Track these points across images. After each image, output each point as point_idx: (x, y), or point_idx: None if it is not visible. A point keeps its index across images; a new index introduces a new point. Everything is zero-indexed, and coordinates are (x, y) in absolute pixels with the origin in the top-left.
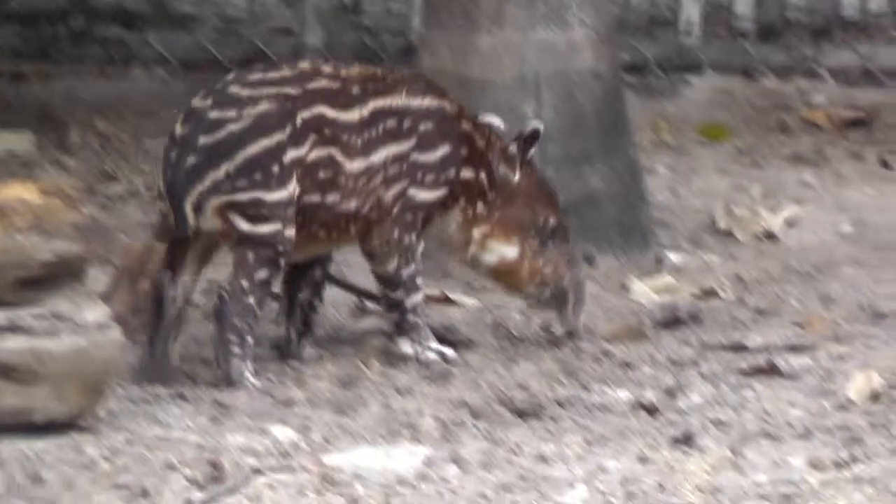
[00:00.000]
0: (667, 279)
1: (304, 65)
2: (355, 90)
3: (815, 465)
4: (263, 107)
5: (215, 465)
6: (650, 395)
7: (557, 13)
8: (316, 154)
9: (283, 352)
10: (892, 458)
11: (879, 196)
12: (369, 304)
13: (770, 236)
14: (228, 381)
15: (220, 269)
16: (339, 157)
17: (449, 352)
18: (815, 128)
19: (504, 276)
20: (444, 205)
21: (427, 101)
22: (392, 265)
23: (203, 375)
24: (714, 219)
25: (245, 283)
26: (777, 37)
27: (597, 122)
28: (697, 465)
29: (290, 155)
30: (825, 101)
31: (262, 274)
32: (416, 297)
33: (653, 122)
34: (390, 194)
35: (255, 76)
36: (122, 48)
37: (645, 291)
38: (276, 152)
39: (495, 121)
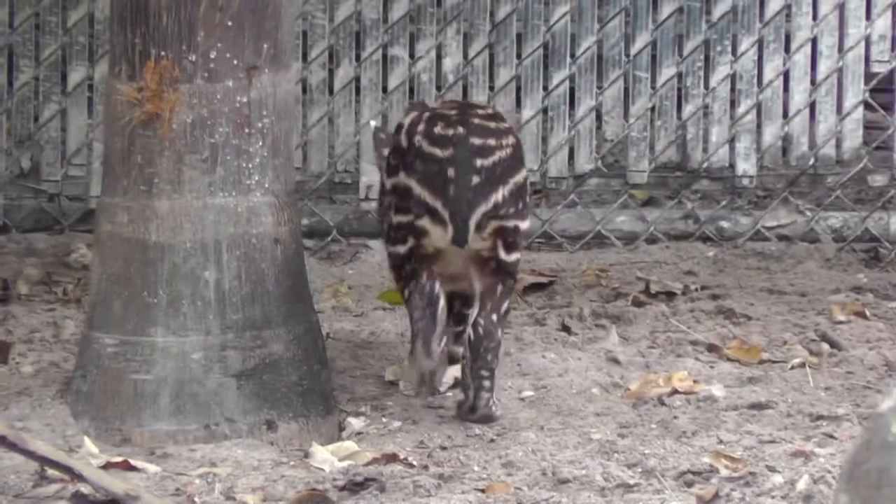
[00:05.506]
0: (349, 444)
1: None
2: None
3: None
4: (512, 138)
5: None
6: None
7: (237, 178)
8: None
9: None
10: None
11: (560, 360)
12: (50, 471)
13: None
14: (478, 413)
15: None
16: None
17: None
18: None
19: None
20: None
21: None
22: None
23: None
24: (399, 383)
25: (495, 318)
26: None
27: (277, 286)
28: None
29: (529, 184)
30: None
31: (506, 305)
32: None
33: (334, 287)
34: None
35: (483, 111)
36: None
37: (327, 457)
38: (526, 182)
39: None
